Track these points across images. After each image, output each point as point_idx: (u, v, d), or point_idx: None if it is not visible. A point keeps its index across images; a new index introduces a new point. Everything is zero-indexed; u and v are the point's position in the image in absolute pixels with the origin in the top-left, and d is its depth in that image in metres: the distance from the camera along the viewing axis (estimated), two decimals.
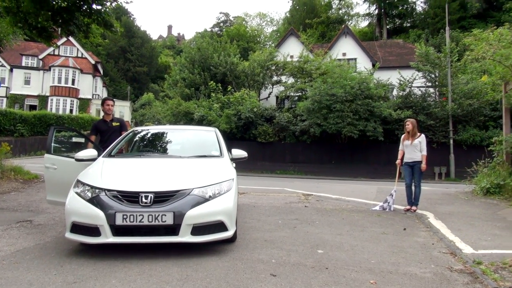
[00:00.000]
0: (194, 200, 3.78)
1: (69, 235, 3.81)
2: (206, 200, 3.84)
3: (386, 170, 17.60)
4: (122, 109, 42.29)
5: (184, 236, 3.68)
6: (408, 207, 7.02)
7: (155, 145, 5.65)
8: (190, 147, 5.30)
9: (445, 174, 18.44)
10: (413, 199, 6.99)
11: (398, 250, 4.32)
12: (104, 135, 6.15)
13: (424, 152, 6.87)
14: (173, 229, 3.67)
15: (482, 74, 16.53)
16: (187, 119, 21.48)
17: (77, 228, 3.75)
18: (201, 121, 20.21)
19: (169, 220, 3.63)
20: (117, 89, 56.71)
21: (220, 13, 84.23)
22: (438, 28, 34.51)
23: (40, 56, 37.99)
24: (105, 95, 43.57)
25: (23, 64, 38.34)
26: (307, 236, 4.83)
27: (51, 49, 32.42)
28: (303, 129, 19.59)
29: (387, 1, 43.64)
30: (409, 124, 7.06)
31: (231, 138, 19.59)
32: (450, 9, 26.26)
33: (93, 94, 40.27)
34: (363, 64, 24.81)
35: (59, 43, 34.19)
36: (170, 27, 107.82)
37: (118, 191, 3.76)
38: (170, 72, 30.79)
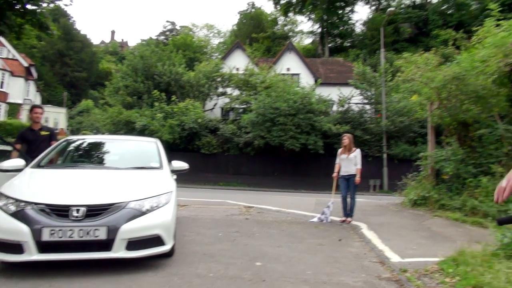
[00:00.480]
0: (130, 213, 3.66)
1: None
2: (143, 213, 3.72)
3: (326, 182, 18.14)
4: (57, 116, 39.62)
5: (118, 252, 3.54)
6: (343, 218, 7.32)
7: (90, 156, 5.37)
8: (128, 158, 5.11)
9: (379, 187, 19.57)
10: (348, 211, 7.31)
11: (333, 260, 4.49)
12: (32, 145, 5.72)
13: (359, 166, 7.20)
14: (106, 244, 3.51)
15: (412, 94, 17.85)
16: (128, 128, 20.75)
17: None
18: (143, 131, 19.62)
19: (102, 235, 3.46)
20: (52, 94, 53.17)
21: (167, 21, 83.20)
22: (374, 49, 36.84)
23: None
24: (38, 100, 40.64)
25: None
26: (247, 248, 4.85)
27: None
28: (247, 141, 19.80)
29: (329, 21, 45.86)
30: (346, 139, 7.39)
31: (174, 149, 19.23)
32: (385, 33, 28.25)
33: (24, 99, 37.33)
34: (306, 79, 25.76)
35: None
36: (113, 33, 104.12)
37: (46, 205, 3.53)
38: (112, 79, 29.62)
